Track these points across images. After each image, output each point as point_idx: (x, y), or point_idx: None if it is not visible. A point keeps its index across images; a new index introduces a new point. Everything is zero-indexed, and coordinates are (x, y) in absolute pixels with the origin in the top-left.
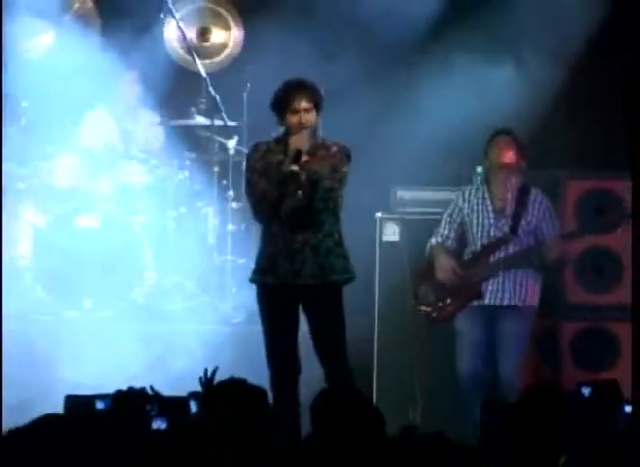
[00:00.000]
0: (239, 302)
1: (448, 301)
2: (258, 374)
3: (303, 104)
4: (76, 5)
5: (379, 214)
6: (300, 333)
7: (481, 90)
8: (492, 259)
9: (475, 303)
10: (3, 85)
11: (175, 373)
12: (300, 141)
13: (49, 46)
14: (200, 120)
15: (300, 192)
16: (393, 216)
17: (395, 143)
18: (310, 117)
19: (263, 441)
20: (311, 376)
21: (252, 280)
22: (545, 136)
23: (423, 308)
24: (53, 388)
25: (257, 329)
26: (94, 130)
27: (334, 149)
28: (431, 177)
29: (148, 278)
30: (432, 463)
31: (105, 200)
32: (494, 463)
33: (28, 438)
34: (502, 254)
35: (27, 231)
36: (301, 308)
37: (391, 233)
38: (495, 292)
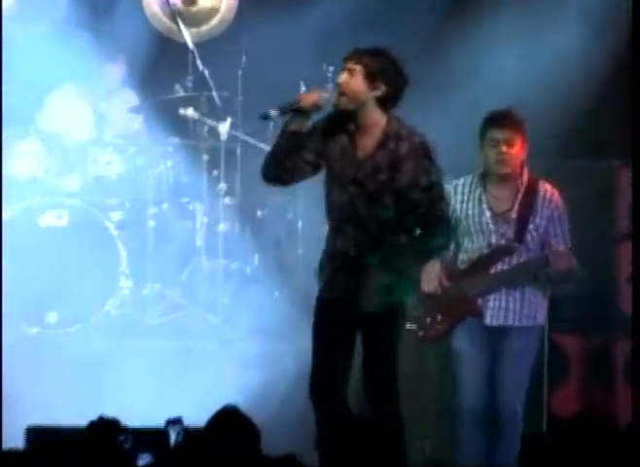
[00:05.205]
0: (232, 314)
1: (438, 317)
2: (255, 401)
3: (349, 65)
4: None
5: None
6: None
7: (533, 76)
8: (493, 271)
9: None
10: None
11: (153, 397)
12: (309, 96)
13: (6, 17)
14: (186, 99)
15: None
16: None
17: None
18: (352, 80)
19: None
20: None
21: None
22: (600, 126)
23: (408, 325)
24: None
25: (252, 346)
26: (59, 113)
27: (404, 149)
28: (467, 168)
29: (123, 287)
30: None
31: (73, 195)
32: None
33: None
34: (505, 265)
35: None
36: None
37: None
38: (498, 310)
